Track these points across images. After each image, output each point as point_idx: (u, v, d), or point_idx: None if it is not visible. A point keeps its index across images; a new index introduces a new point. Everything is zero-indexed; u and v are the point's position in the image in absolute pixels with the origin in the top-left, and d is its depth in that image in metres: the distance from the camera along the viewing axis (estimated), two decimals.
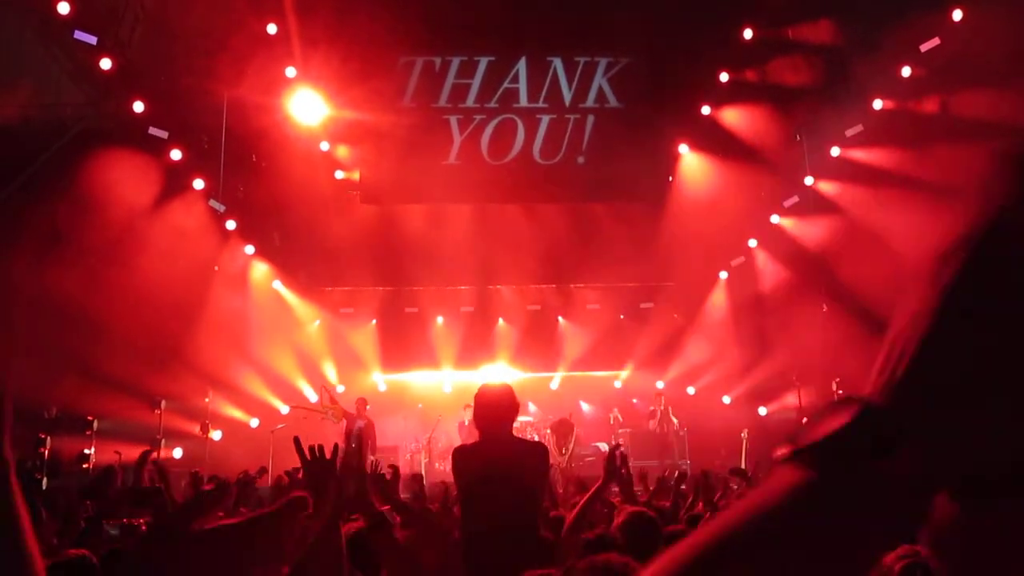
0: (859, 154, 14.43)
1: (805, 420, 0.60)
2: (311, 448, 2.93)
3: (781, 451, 0.59)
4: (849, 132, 14.60)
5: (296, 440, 2.96)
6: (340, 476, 2.48)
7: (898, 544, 0.59)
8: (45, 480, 10.68)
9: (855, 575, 0.56)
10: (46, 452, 11.54)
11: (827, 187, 15.11)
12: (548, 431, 15.02)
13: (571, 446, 14.58)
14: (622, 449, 5.49)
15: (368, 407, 14.79)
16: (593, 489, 4.62)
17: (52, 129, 11.80)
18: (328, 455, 2.96)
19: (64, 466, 11.51)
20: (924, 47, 13.08)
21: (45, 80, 11.74)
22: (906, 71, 13.65)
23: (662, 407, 15.27)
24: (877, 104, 14.22)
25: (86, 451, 12.35)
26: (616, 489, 5.86)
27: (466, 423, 15.13)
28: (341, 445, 10.35)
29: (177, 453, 13.66)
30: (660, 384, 17.38)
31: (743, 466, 12.71)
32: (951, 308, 0.55)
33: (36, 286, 10.61)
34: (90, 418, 12.49)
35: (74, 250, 11.60)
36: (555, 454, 14.34)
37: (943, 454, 0.54)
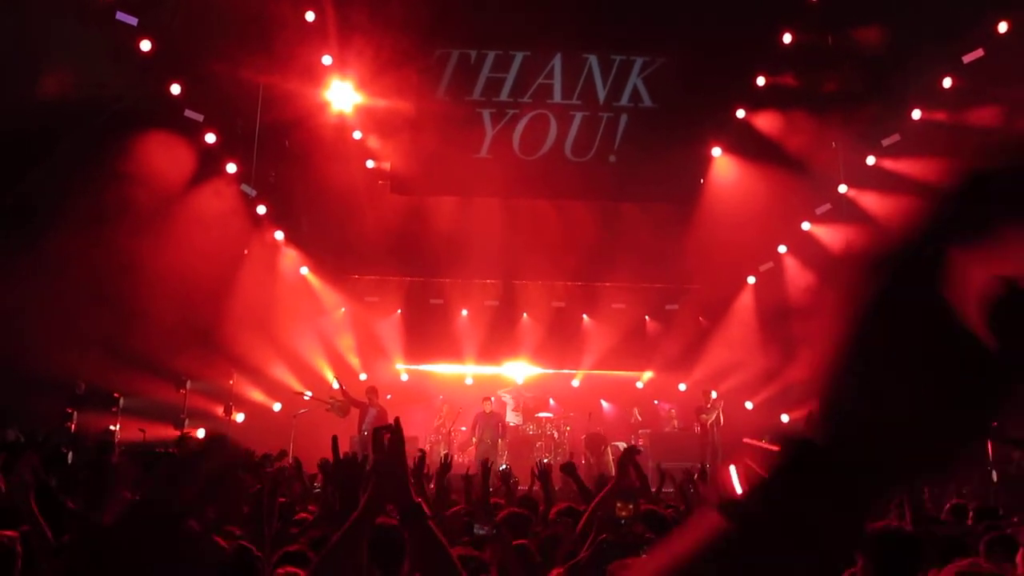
0: (896, 164, 14.24)
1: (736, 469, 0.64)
2: (346, 454, 2.99)
3: (713, 499, 0.64)
4: (886, 141, 14.41)
5: (333, 439, 3.03)
6: (375, 475, 2.48)
7: None
8: (71, 455, 10.84)
9: None
10: (73, 427, 11.73)
11: (861, 196, 14.94)
12: (583, 438, 15.26)
13: (608, 459, 14.54)
14: (641, 448, 5.49)
15: (388, 396, 14.89)
16: (606, 489, 4.60)
17: (91, 109, 11.95)
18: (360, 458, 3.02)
19: (89, 441, 11.67)
20: (967, 58, 12.88)
21: (85, 61, 11.88)
22: (947, 82, 13.45)
23: (717, 410, 15.08)
24: (916, 114, 14.03)
25: (111, 427, 12.52)
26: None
27: (486, 412, 15.22)
28: (355, 434, 10.36)
29: (200, 433, 13.82)
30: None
31: None
32: (858, 348, 0.61)
33: (74, 264, 10.77)
34: (116, 395, 12.66)
35: (109, 229, 11.76)
36: (586, 465, 14.32)
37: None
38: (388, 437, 2.40)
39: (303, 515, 5.15)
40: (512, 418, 16.82)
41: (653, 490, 6.35)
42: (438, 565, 2.21)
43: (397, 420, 2.46)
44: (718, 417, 14.87)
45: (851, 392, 0.61)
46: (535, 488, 7.50)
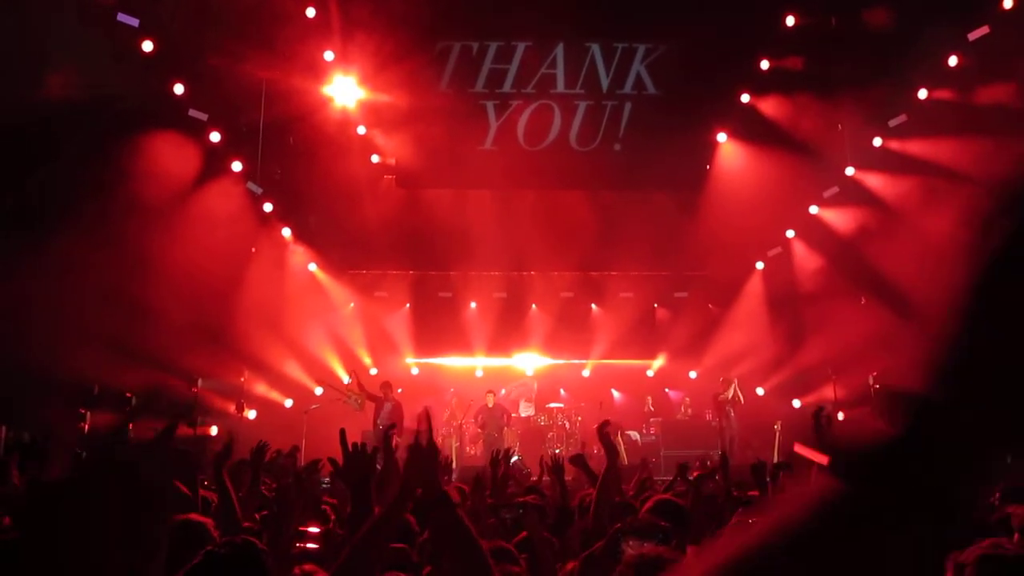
0: (903, 145, 14.16)
1: (845, 423, 0.63)
2: (354, 444, 2.99)
3: (821, 457, 0.61)
4: (892, 122, 14.32)
5: (341, 432, 3.02)
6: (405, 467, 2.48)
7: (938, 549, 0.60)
8: (84, 454, 10.89)
9: None
10: (86, 427, 11.79)
11: (868, 178, 14.86)
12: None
13: (621, 449, 14.54)
14: (609, 421, 5.50)
15: (399, 390, 14.92)
16: (603, 474, 4.63)
17: (95, 111, 11.97)
18: (369, 450, 3.02)
19: (101, 441, 11.72)
20: (972, 36, 12.78)
21: (88, 63, 11.89)
22: (953, 60, 13.34)
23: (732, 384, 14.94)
24: (922, 94, 13.94)
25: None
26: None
27: (489, 405, 15.25)
28: (369, 428, 10.36)
29: (213, 431, 13.87)
30: (692, 374, 17.35)
31: (776, 459, 12.62)
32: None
33: (83, 264, 10.80)
34: (128, 394, 12.71)
35: (117, 229, 11.79)
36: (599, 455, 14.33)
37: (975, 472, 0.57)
38: (422, 428, 2.43)
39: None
40: (525, 409, 16.87)
41: (668, 479, 6.30)
42: (468, 554, 2.21)
43: (426, 410, 2.49)
44: (736, 395, 14.71)
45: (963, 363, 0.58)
46: (544, 479, 7.53)
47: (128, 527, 1.01)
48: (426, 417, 2.46)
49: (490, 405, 15.32)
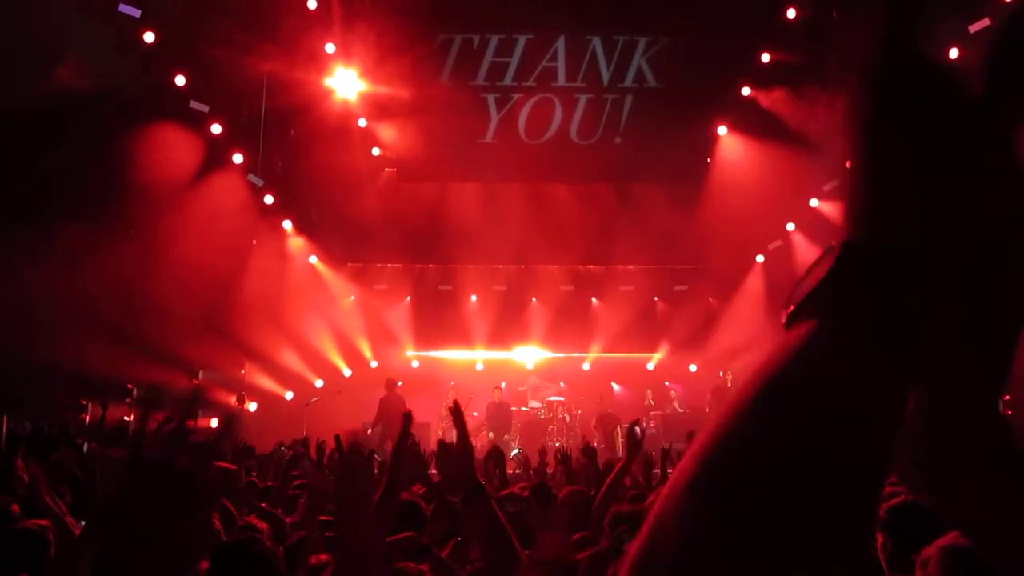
0: None
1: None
2: (352, 444, 3.01)
3: (782, 319, 0.59)
4: None
5: (337, 438, 3.05)
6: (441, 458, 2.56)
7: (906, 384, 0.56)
8: (85, 445, 10.93)
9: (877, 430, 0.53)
10: (87, 418, 11.82)
11: None
12: (593, 423, 15.29)
13: (618, 441, 14.58)
14: (642, 427, 5.46)
15: (400, 383, 14.96)
16: (618, 467, 4.67)
17: (96, 102, 11.97)
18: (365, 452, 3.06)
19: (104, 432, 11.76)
20: (973, 28, 12.77)
21: (90, 55, 11.89)
22: (954, 53, 13.33)
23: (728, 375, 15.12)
24: None
25: (125, 418, 12.60)
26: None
27: (496, 401, 15.30)
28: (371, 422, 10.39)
29: (213, 423, 13.90)
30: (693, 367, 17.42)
31: None
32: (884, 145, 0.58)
33: (85, 255, 10.83)
34: (129, 386, 12.74)
35: (117, 221, 11.81)
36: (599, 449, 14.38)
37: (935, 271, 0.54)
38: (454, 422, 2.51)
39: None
40: (533, 405, 16.95)
41: (656, 471, 6.31)
42: (501, 542, 2.28)
43: (457, 404, 2.56)
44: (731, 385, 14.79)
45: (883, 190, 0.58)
46: (548, 471, 7.58)
47: (173, 534, 1.05)
48: (458, 412, 2.55)
49: (497, 400, 15.38)
